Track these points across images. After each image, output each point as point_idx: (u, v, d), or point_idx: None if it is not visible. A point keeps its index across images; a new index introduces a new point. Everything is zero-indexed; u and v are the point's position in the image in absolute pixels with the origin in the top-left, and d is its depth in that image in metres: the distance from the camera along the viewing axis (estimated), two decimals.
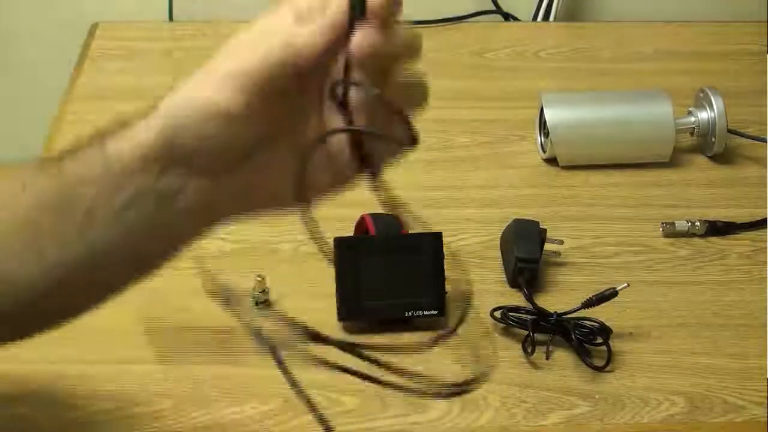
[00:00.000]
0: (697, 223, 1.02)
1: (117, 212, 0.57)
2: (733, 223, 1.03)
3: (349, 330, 0.89)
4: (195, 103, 0.55)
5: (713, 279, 0.98)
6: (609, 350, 0.86)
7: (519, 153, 1.15)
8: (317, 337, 0.58)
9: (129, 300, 0.92)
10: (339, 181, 0.60)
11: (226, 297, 0.62)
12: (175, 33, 1.39)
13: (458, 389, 0.61)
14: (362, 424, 0.81)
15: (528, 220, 0.97)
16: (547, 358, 0.87)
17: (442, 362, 0.87)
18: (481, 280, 0.95)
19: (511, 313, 0.89)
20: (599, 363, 0.86)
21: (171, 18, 1.42)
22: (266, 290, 0.92)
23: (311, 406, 0.61)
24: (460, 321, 0.62)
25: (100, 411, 0.82)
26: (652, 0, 1.47)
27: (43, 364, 0.86)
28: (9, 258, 0.59)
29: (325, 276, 0.90)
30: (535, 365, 0.87)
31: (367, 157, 0.57)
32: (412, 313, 0.89)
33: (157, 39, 1.36)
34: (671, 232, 1.02)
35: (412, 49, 0.56)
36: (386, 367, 0.59)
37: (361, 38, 0.53)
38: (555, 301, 0.92)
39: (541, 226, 0.96)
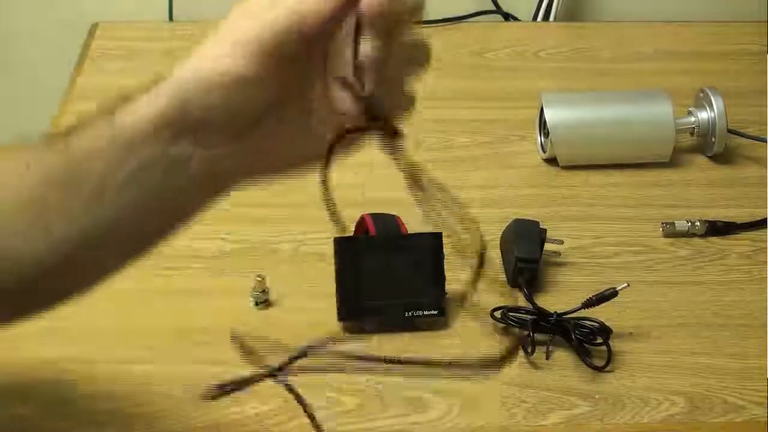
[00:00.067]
0: (697, 223, 1.02)
1: (125, 184, 0.57)
2: (733, 223, 1.03)
3: (349, 330, 0.89)
4: (205, 71, 0.56)
5: (713, 279, 0.98)
6: (609, 350, 0.86)
7: (519, 153, 1.15)
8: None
9: (129, 300, 0.93)
10: (351, 141, 0.61)
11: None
12: (175, 33, 1.39)
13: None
14: (362, 424, 0.81)
15: (528, 220, 0.97)
16: (547, 358, 0.87)
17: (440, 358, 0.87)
18: (481, 280, 0.95)
19: (511, 313, 0.88)
20: (599, 363, 0.86)
21: (171, 18, 1.42)
22: (266, 290, 0.92)
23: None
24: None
25: (100, 411, 0.82)
26: (652, 0, 1.47)
27: (43, 364, 0.86)
28: (14, 235, 0.59)
29: (325, 276, 0.90)
30: (535, 365, 0.87)
31: (377, 118, 0.57)
32: (412, 313, 0.89)
33: (157, 39, 1.36)
34: (671, 232, 1.02)
35: (418, 8, 0.57)
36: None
37: None
38: (555, 301, 0.92)
39: (541, 226, 0.96)
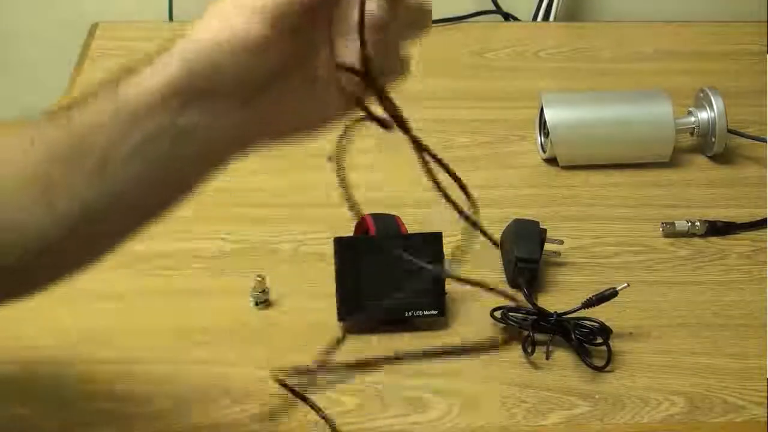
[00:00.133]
0: (697, 223, 1.02)
1: (129, 157, 0.58)
2: (733, 223, 1.03)
3: (349, 330, 0.89)
4: (210, 39, 0.56)
5: (713, 279, 0.98)
6: (609, 350, 0.86)
7: (519, 153, 1.15)
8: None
9: (129, 300, 0.93)
10: (349, 105, 0.61)
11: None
12: (175, 33, 1.38)
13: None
14: (362, 424, 0.81)
15: (528, 220, 0.97)
16: (547, 358, 0.87)
17: (441, 362, 0.87)
18: (481, 280, 0.95)
19: (511, 313, 0.88)
20: (599, 363, 0.86)
21: (171, 18, 1.42)
22: (266, 290, 0.92)
23: None
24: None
25: (100, 411, 0.82)
26: (652, 0, 1.47)
27: (44, 365, 0.86)
28: (18, 210, 0.59)
29: (325, 276, 0.90)
30: (535, 365, 0.87)
31: (374, 81, 0.58)
32: (412, 313, 0.89)
33: (157, 39, 1.35)
34: (671, 232, 1.02)
35: None
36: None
37: None
38: (555, 301, 0.92)
39: (541, 226, 0.96)
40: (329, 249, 0.89)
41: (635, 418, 0.83)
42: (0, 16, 1.47)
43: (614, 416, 0.83)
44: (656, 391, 0.85)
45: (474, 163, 1.13)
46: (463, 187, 0.64)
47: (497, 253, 0.97)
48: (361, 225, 0.93)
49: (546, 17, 1.45)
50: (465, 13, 1.43)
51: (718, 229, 1.02)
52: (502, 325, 0.89)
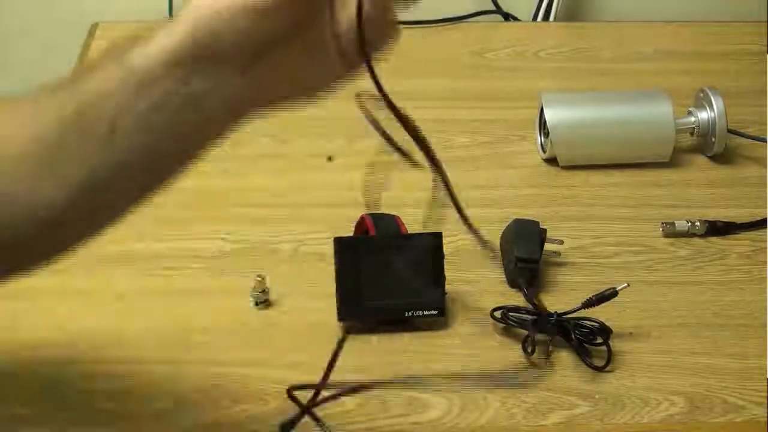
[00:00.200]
0: (697, 223, 1.02)
1: (136, 125, 0.58)
2: (733, 223, 1.03)
3: (349, 330, 0.89)
4: (212, 6, 0.57)
5: (713, 279, 0.98)
6: (609, 350, 0.86)
7: (519, 153, 1.15)
8: None
9: (129, 300, 0.93)
10: (348, 69, 0.62)
11: None
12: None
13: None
14: (362, 424, 0.81)
15: (528, 220, 0.97)
16: (547, 358, 0.87)
17: (441, 362, 0.87)
18: (481, 280, 0.95)
19: (511, 313, 0.88)
20: (599, 363, 0.86)
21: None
22: (266, 290, 0.92)
23: None
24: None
25: (100, 411, 0.82)
26: (652, 0, 1.47)
27: (43, 365, 0.86)
28: (27, 183, 0.60)
29: (325, 276, 0.90)
30: (535, 365, 0.87)
31: (367, 42, 0.60)
32: (412, 313, 0.89)
33: None
34: (671, 232, 1.02)
35: None
36: None
37: None
38: (555, 301, 0.92)
39: (541, 226, 0.96)
40: (329, 249, 0.89)
41: (635, 418, 0.83)
42: (0, 16, 1.47)
43: (614, 416, 0.83)
44: (656, 391, 0.85)
45: (474, 163, 1.13)
46: (434, 161, 0.65)
47: (497, 252, 0.97)
48: (361, 225, 0.93)
49: (546, 17, 1.45)
50: (465, 13, 1.43)
51: (718, 229, 1.02)
52: (502, 325, 0.89)
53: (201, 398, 0.83)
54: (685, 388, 0.85)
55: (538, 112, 1.13)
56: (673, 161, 1.12)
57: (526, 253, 0.93)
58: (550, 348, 0.87)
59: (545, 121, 1.11)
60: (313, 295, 0.92)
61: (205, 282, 0.96)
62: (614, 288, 0.88)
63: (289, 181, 1.09)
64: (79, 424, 0.81)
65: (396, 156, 0.66)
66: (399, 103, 0.62)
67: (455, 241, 0.92)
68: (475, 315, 0.91)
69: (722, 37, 1.38)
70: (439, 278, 0.89)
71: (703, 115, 1.12)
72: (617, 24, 1.45)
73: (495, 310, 0.89)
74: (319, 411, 0.80)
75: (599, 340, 0.87)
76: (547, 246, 0.96)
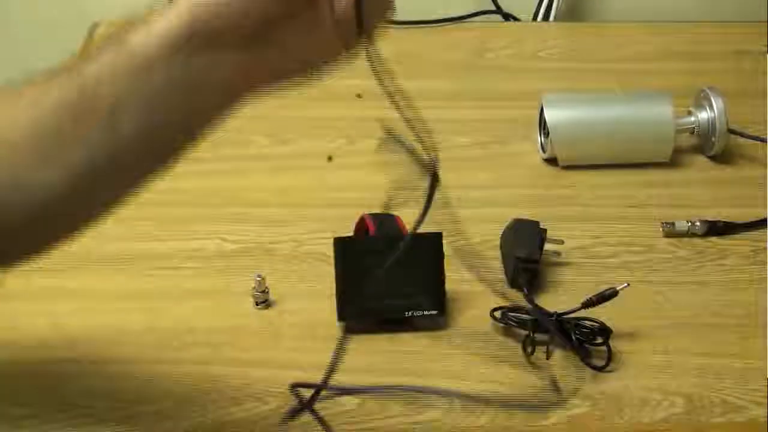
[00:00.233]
0: (697, 223, 1.02)
1: (140, 106, 0.59)
2: (733, 223, 1.03)
3: (349, 330, 0.89)
4: None
5: (713, 279, 0.98)
6: (609, 350, 0.86)
7: (519, 153, 1.15)
8: None
9: (129, 300, 0.93)
10: (345, 47, 0.63)
11: None
12: None
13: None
14: (362, 424, 0.81)
15: (528, 220, 0.97)
16: (547, 358, 0.87)
17: (441, 362, 0.87)
18: (481, 280, 0.95)
19: (511, 313, 0.88)
20: (599, 363, 0.86)
21: None
22: (266, 290, 0.92)
23: None
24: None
25: (100, 411, 0.82)
26: (652, 0, 1.47)
27: (43, 364, 0.86)
28: (28, 169, 0.60)
29: (325, 276, 0.90)
30: (535, 365, 0.87)
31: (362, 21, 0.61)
32: (412, 313, 0.89)
33: None
34: (671, 232, 1.02)
35: None
36: None
37: None
38: (555, 301, 0.92)
39: (541, 226, 0.96)
40: (329, 249, 0.89)
41: (635, 418, 0.83)
42: (0, 16, 1.47)
43: (614, 416, 0.83)
44: (656, 391, 0.85)
45: (474, 163, 1.13)
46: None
47: (497, 252, 0.97)
48: (361, 225, 0.93)
49: (546, 17, 1.45)
50: (465, 13, 1.43)
51: (718, 229, 1.02)
52: (502, 325, 0.89)
53: (201, 398, 0.83)
54: (685, 388, 0.85)
55: (538, 112, 1.13)
56: (673, 161, 1.12)
57: (526, 253, 0.94)
58: (550, 348, 0.87)
59: (545, 121, 1.11)
60: (313, 295, 0.92)
61: (205, 282, 0.95)
62: (614, 288, 0.88)
63: (289, 181, 1.09)
64: (79, 424, 0.81)
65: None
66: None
67: (455, 241, 0.92)
68: (475, 315, 0.91)
69: (722, 37, 1.38)
70: (439, 278, 0.89)
71: (703, 115, 1.12)
72: (617, 24, 1.45)
73: (495, 310, 0.89)
74: (320, 411, 0.80)
75: (599, 340, 0.87)
76: (547, 246, 0.96)
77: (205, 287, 0.95)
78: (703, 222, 1.02)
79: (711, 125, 1.11)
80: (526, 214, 0.99)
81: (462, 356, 0.88)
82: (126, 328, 0.90)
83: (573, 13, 1.48)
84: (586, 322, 0.87)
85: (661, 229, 1.02)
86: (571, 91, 1.22)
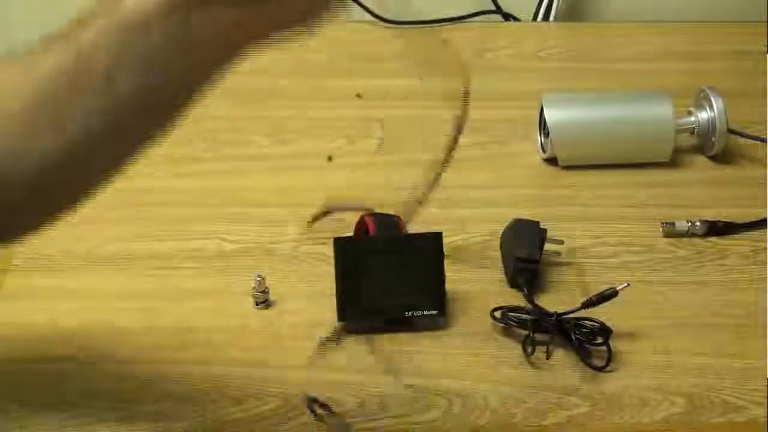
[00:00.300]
0: (697, 223, 1.02)
1: (136, 68, 0.58)
2: (733, 223, 1.03)
3: (349, 330, 0.89)
4: None
5: (713, 279, 0.98)
6: (609, 350, 0.86)
7: (519, 153, 1.14)
8: None
9: (129, 300, 0.93)
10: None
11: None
12: None
13: None
14: (362, 424, 0.81)
15: (528, 220, 0.97)
16: (547, 358, 0.87)
17: (441, 362, 0.87)
18: (481, 280, 0.95)
19: (511, 313, 0.88)
20: (599, 363, 0.86)
21: None
22: (266, 290, 0.92)
23: None
24: None
25: (100, 411, 0.82)
26: (652, 0, 1.47)
27: (44, 364, 0.86)
28: (26, 138, 0.60)
29: (325, 276, 0.90)
30: (535, 365, 0.87)
31: None
32: (412, 313, 0.89)
33: None
34: (671, 232, 1.02)
35: None
36: None
37: None
38: (555, 301, 0.92)
39: (541, 226, 0.96)
40: (329, 249, 0.89)
41: (635, 418, 0.83)
42: (0, 17, 1.47)
43: (614, 416, 0.83)
44: (656, 391, 0.85)
45: (474, 163, 1.13)
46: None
47: (497, 252, 0.97)
48: (361, 225, 0.93)
49: (546, 17, 1.45)
50: (465, 13, 1.43)
51: (718, 229, 1.02)
52: (502, 325, 0.89)
53: (201, 398, 0.83)
54: (685, 388, 0.85)
55: (538, 112, 1.13)
56: (673, 161, 1.12)
57: (526, 253, 0.94)
58: (550, 348, 0.87)
59: (545, 121, 1.11)
60: (313, 295, 0.92)
61: (204, 282, 0.95)
62: (614, 288, 0.88)
63: (289, 181, 1.09)
64: (79, 424, 0.81)
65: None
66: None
67: (455, 241, 0.92)
68: (475, 315, 0.91)
69: (722, 37, 1.38)
70: (439, 278, 0.89)
71: (703, 115, 1.12)
72: (617, 24, 1.45)
73: (495, 310, 0.89)
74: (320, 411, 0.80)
75: (599, 340, 0.87)
76: (547, 246, 0.96)
77: (204, 287, 0.95)
78: (703, 222, 1.02)
79: (711, 125, 1.11)
80: (526, 214, 0.99)
81: (462, 356, 0.88)
82: (126, 328, 0.90)
83: (573, 13, 1.48)
84: (586, 322, 0.87)
85: (661, 229, 1.02)
86: (571, 91, 1.22)
